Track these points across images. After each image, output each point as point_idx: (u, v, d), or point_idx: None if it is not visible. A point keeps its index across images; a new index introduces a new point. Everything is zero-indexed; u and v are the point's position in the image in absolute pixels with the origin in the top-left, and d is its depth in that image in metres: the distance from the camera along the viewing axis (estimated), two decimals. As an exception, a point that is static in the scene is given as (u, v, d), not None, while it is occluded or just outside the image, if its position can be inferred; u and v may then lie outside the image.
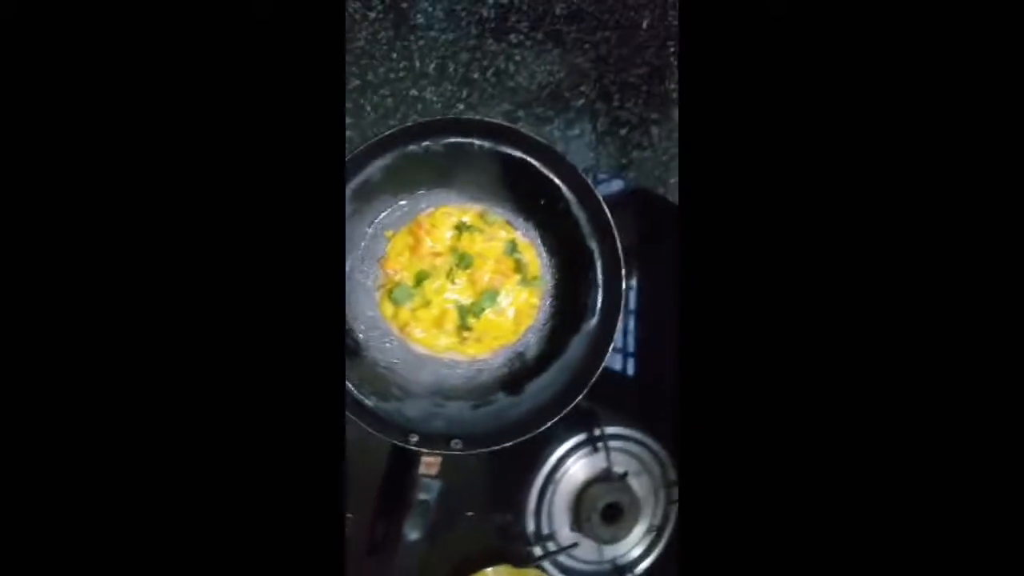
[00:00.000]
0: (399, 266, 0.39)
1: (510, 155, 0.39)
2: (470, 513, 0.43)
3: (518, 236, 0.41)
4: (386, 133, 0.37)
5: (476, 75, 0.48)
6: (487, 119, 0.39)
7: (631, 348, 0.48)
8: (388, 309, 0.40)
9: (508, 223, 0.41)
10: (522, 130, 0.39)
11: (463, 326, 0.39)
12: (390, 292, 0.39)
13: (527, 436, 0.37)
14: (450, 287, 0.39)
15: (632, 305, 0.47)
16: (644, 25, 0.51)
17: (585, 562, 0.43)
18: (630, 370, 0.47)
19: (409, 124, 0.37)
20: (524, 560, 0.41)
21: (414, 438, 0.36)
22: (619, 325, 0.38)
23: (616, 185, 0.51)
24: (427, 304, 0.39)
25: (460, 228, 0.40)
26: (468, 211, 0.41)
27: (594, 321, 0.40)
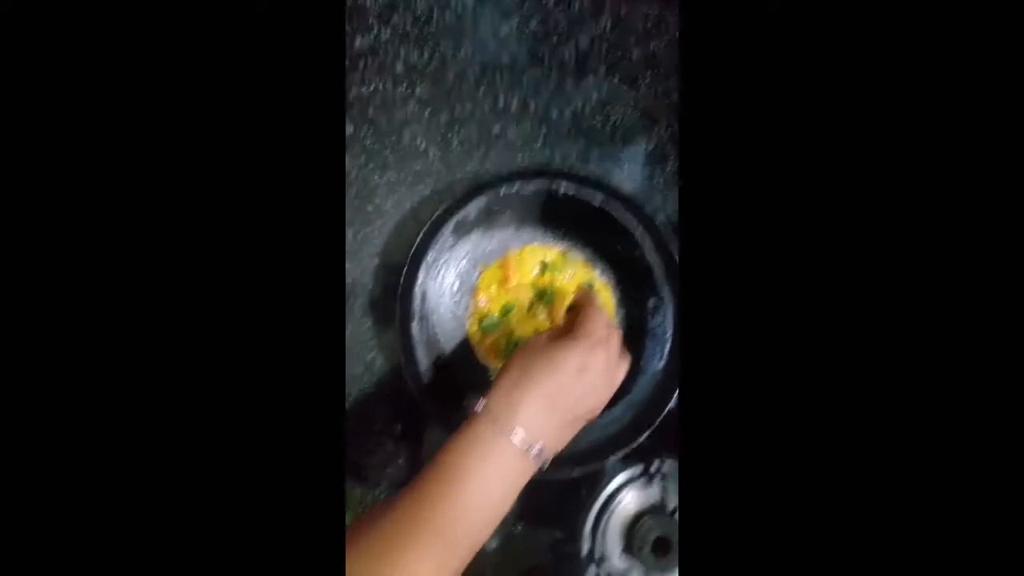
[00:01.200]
0: (488, 296, 0.43)
1: (590, 199, 0.42)
2: (518, 528, 0.45)
3: (595, 275, 0.44)
4: (483, 178, 0.40)
5: (554, 115, 0.51)
6: (571, 167, 0.42)
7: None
8: (476, 335, 0.43)
9: (587, 263, 0.44)
10: (603, 179, 0.42)
11: None
12: (480, 320, 0.43)
13: (591, 465, 0.39)
14: (531, 319, 0.42)
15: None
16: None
17: (634, 588, 0.45)
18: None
19: (504, 174, 0.40)
20: (579, 580, 0.43)
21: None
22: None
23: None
24: (509, 334, 0.42)
25: (544, 266, 0.43)
26: (552, 250, 0.44)
27: (661, 364, 0.42)
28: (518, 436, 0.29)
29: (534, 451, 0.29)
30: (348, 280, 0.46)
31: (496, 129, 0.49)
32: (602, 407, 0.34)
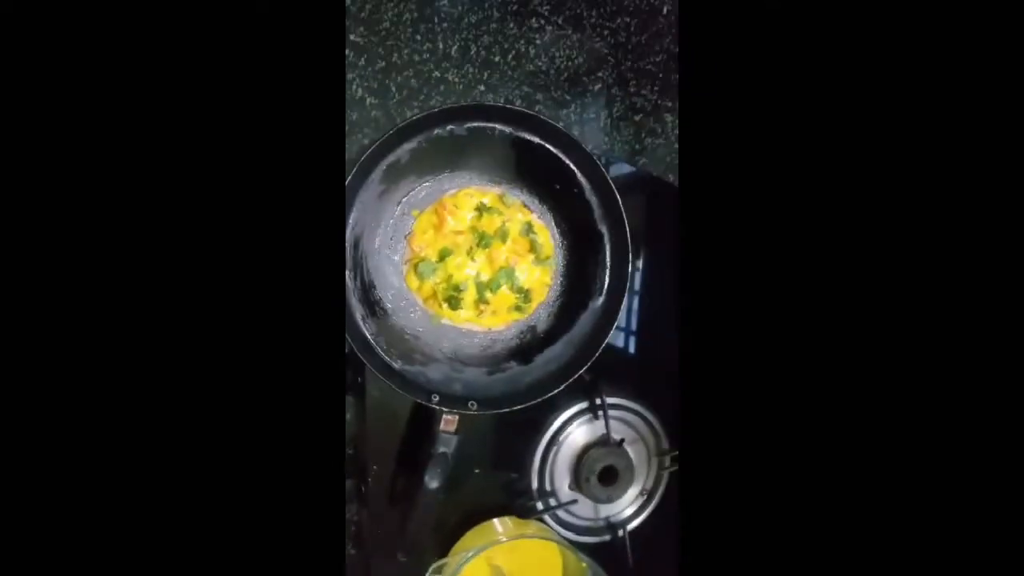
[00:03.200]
0: (424, 243, 0.43)
1: (529, 140, 0.41)
2: (477, 470, 0.47)
3: (533, 218, 0.44)
4: (413, 117, 0.39)
5: (497, 58, 0.49)
6: (508, 106, 0.41)
7: (633, 327, 0.51)
8: (413, 282, 0.43)
9: (525, 205, 0.44)
10: (541, 116, 0.41)
11: (480, 299, 0.43)
12: (415, 266, 0.42)
13: (535, 401, 0.40)
14: (470, 264, 0.42)
15: (636, 286, 0.50)
16: (664, 11, 0.52)
17: (582, 518, 0.47)
18: (631, 347, 0.50)
19: (435, 110, 0.39)
20: (527, 513, 0.45)
21: (435, 398, 0.40)
22: (624, 305, 0.42)
23: (626, 169, 0.53)
24: (448, 279, 0.42)
25: (480, 209, 0.43)
26: (488, 193, 0.43)
27: (601, 300, 0.43)
28: None
29: None
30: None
31: (436, 74, 0.48)
32: None
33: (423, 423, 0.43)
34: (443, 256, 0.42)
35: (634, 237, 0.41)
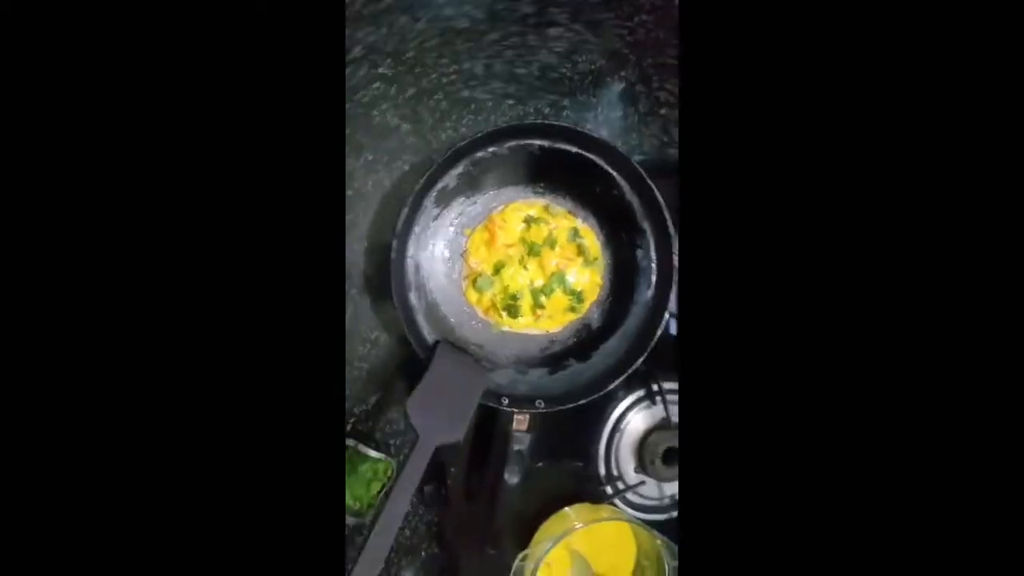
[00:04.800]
0: (479, 259, 0.46)
1: (566, 150, 0.44)
2: (540, 464, 0.50)
3: (578, 223, 0.46)
4: (457, 146, 0.42)
5: (522, 70, 0.51)
6: (543, 122, 0.44)
7: (674, 310, 0.53)
8: (473, 296, 0.46)
9: (569, 212, 0.46)
10: (577, 128, 0.43)
11: (536, 305, 0.45)
12: (474, 281, 0.46)
13: (596, 396, 0.43)
14: (523, 273, 0.45)
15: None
16: (678, 4, 0.53)
17: (650, 498, 0.50)
18: (673, 330, 0.52)
19: (477, 135, 0.42)
20: (599, 498, 0.48)
21: (505, 401, 0.43)
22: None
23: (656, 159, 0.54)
24: (504, 289, 0.45)
25: (528, 221, 0.45)
26: (534, 205, 0.46)
27: (650, 293, 0.45)
28: None
29: None
30: (343, 263, 0.49)
31: (465, 93, 0.50)
32: None
33: (491, 423, 0.46)
34: (498, 269, 0.45)
35: (674, 225, 0.43)
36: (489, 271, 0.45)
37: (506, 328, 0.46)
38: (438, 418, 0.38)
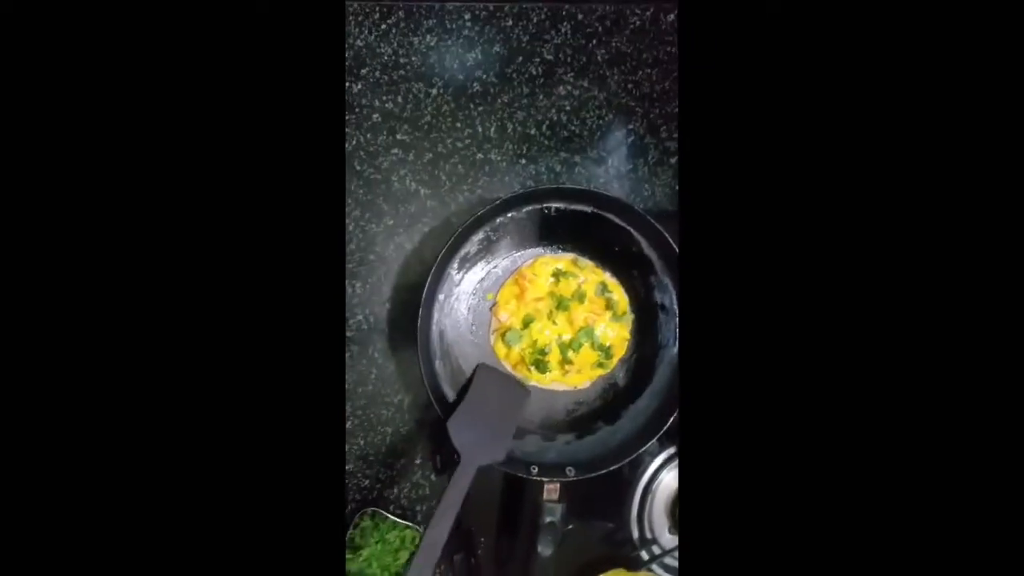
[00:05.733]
0: (508, 312, 0.46)
1: (583, 211, 0.44)
2: (571, 526, 0.48)
3: (607, 277, 0.46)
4: (474, 216, 0.42)
5: (532, 130, 0.52)
6: (557, 186, 0.44)
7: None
8: (501, 349, 0.46)
9: (597, 266, 0.46)
10: (592, 189, 0.44)
11: (564, 360, 0.45)
12: (503, 336, 0.45)
13: (629, 459, 0.42)
14: (551, 327, 0.45)
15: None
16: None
17: (687, 560, 0.48)
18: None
19: (494, 203, 0.42)
20: (635, 565, 0.46)
21: (535, 470, 0.42)
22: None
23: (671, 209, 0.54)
24: (533, 344, 0.45)
25: (557, 275, 0.45)
26: (562, 259, 0.46)
27: (675, 349, 0.44)
28: None
29: None
30: (365, 328, 0.49)
31: (479, 156, 0.52)
32: None
33: (520, 493, 0.45)
34: (527, 323, 0.45)
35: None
36: (518, 325, 0.45)
37: (533, 383, 0.46)
38: (480, 438, 0.38)
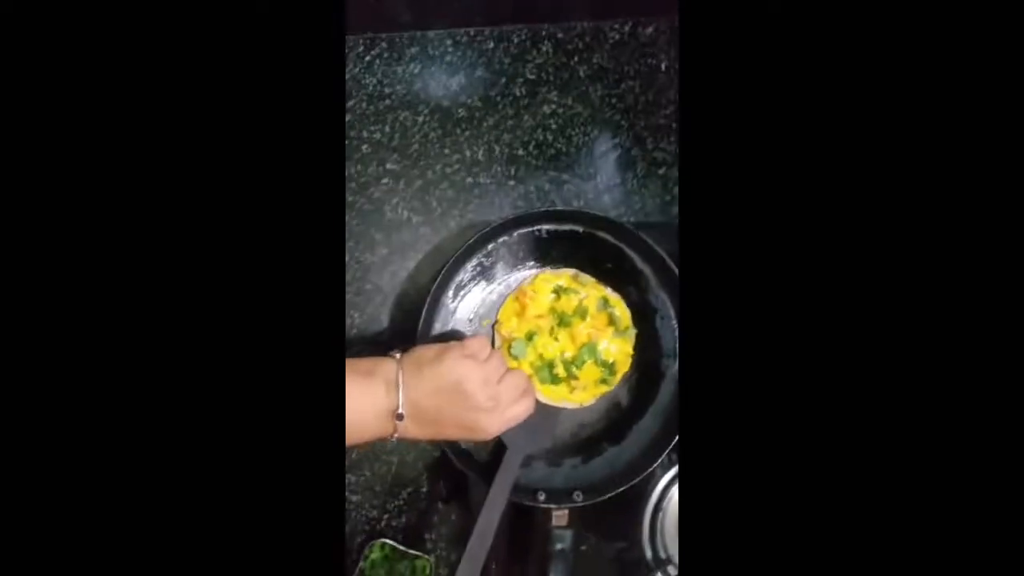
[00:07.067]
0: (510, 328, 0.45)
1: (574, 231, 0.44)
2: (584, 547, 0.48)
3: (608, 292, 0.45)
4: (466, 243, 0.42)
5: (520, 151, 0.53)
6: (546, 209, 0.44)
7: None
8: (509, 363, 0.44)
9: (598, 281, 0.45)
10: (582, 210, 0.44)
11: (569, 376, 0.44)
12: (508, 348, 0.44)
13: (637, 479, 0.41)
14: (553, 344, 0.44)
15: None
16: (663, 67, 0.54)
17: (703, 577, 0.47)
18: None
19: (484, 230, 0.42)
20: (651, 586, 0.45)
21: (542, 496, 0.41)
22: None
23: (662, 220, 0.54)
24: (539, 357, 0.44)
25: (558, 291, 0.45)
26: (562, 275, 0.45)
27: (676, 365, 0.44)
28: (396, 401, 0.33)
29: (397, 414, 0.34)
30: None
31: (469, 180, 0.52)
32: (488, 426, 0.35)
33: (530, 519, 0.44)
34: (530, 337, 0.44)
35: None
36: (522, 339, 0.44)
37: (540, 396, 0.44)
38: (524, 427, 0.38)
